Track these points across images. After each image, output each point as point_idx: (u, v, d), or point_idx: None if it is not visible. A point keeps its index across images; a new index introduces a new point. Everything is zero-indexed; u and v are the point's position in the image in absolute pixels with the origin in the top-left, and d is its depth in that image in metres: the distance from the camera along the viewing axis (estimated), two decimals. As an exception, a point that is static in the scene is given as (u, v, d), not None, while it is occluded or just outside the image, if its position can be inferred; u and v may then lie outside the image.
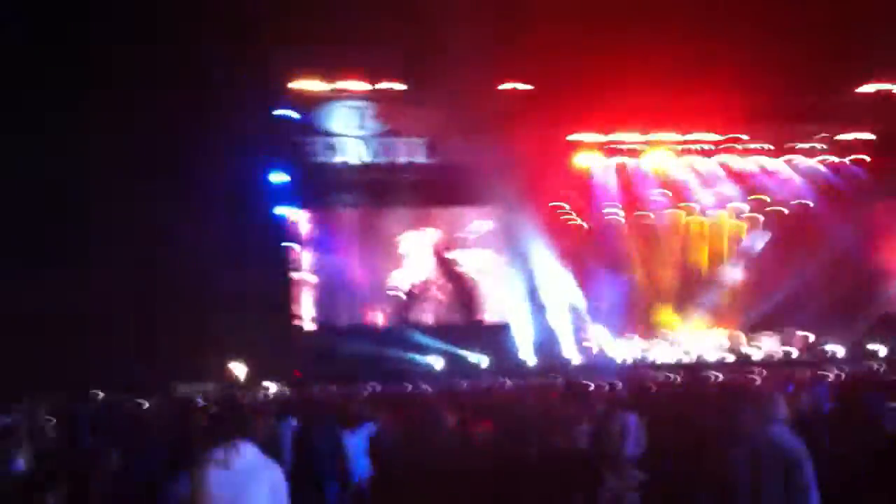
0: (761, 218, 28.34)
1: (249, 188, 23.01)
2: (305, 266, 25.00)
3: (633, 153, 25.90)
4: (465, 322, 25.34)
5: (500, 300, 25.53)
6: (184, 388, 20.35)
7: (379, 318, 25.11)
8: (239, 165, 22.43)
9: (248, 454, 4.81)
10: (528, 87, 24.56)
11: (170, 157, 21.26)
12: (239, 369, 23.53)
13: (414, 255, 25.61)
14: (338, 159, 24.98)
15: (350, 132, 24.90)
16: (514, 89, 24.70)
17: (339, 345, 23.18)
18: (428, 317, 25.39)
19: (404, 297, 25.34)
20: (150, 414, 11.70)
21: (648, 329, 27.21)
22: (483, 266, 25.78)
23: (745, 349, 25.27)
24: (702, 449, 6.26)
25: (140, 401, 13.57)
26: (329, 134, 24.87)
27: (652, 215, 28.74)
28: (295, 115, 24.43)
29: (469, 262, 25.82)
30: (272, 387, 21.25)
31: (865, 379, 10.94)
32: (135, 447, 6.84)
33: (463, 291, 25.82)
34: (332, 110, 24.91)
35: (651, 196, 28.04)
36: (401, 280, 25.45)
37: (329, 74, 24.26)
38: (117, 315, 21.26)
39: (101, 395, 17.59)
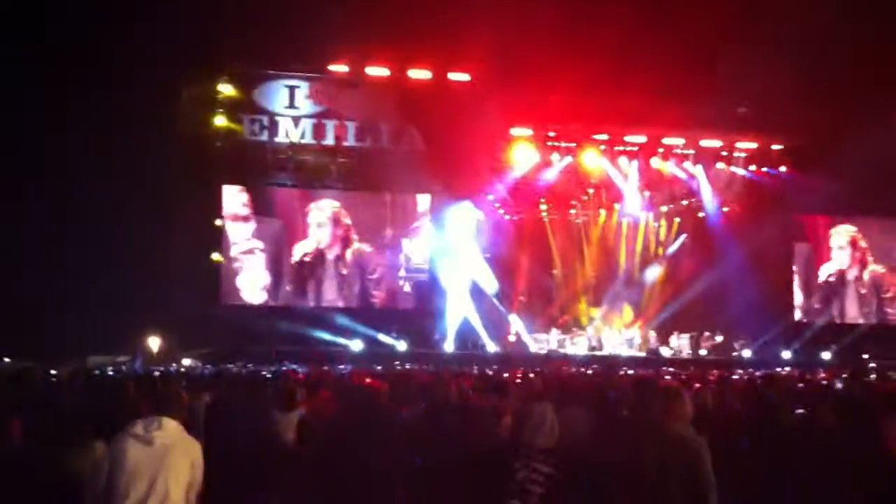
0: (680, 221, 29.09)
1: (180, 162, 22.56)
2: (232, 242, 24.67)
3: (564, 151, 26.12)
4: (385, 306, 25.32)
5: (422, 287, 25.59)
6: (97, 360, 19.96)
7: (299, 296, 24.90)
8: (170, 139, 22.05)
9: (169, 429, 4.77)
10: (466, 77, 24.60)
11: (97, 129, 20.75)
12: (155, 343, 23.18)
13: (321, 230, 25.34)
14: (272, 138, 24.63)
15: (286, 112, 24.58)
16: (453, 79, 24.70)
17: (260, 323, 23.03)
18: (341, 296, 25.24)
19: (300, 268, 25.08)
20: (60, 384, 11.41)
21: (566, 323, 27.72)
22: (416, 254, 25.75)
23: (657, 347, 25.90)
24: (613, 441, 6.45)
25: (51, 371, 13.22)
26: (264, 112, 24.51)
27: (577, 213, 29.24)
28: (231, 92, 24.05)
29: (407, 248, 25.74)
30: (187, 361, 21.01)
31: (771, 381, 11.32)
32: (40, 417, 6.68)
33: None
34: (268, 89, 24.56)
35: (578, 194, 28.51)
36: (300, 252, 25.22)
37: (269, 53, 23.93)
38: (28, 282, 20.72)
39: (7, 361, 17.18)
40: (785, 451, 6.42)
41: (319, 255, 25.16)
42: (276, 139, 24.66)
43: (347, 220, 25.32)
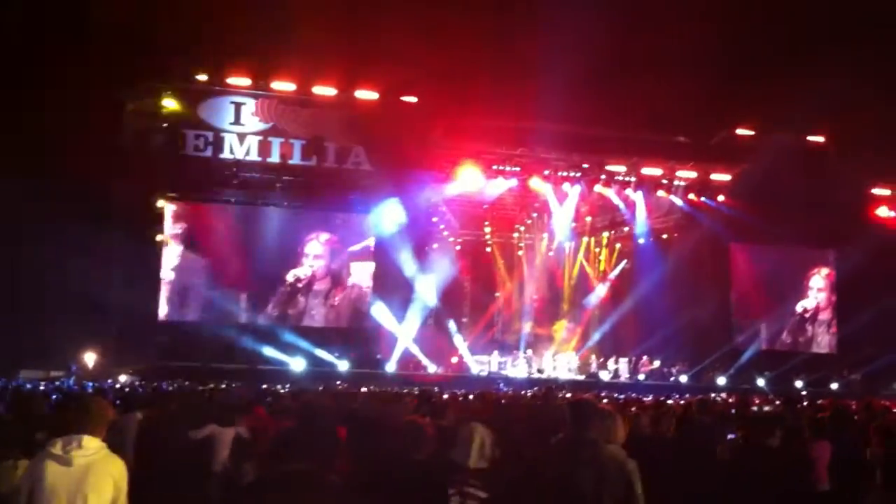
0: (621, 247, 29.49)
1: (121, 176, 22.21)
2: (172, 258, 24.30)
3: (509, 174, 26.32)
4: (329, 325, 25.15)
5: (369, 308, 25.51)
6: (28, 374, 19.47)
7: (243, 314, 24.60)
8: (113, 153, 21.72)
9: (90, 448, 4.64)
10: (414, 99, 24.73)
11: (32, 141, 20.36)
12: (91, 358, 22.69)
13: (301, 255, 25.23)
14: (217, 154, 24.38)
15: (231, 128, 24.37)
16: (400, 101, 24.81)
17: (197, 340, 22.70)
18: (299, 316, 25.06)
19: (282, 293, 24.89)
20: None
21: (507, 345, 27.85)
22: (361, 274, 25.67)
23: (596, 371, 26.12)
24: (549, 463, 6.47)
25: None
26: (209, 128, 24.27)
27: (520, 236, 29.46)
28: (176, 106, 23.77)
29: (354, 269, 25.64)
30: (123, 378, 20.61)
31: (704, 407, 11.48)
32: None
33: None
34: (214, 105, 24.34)
35: (521, 218, 28.75)
36: (288, 276, 25.03)
37: (214, 69, 23.74)
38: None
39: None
40: (715, 476, 6.53)
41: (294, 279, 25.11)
42: (221, 155, 24.42)
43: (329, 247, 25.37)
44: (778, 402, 12.41)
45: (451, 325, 26.80)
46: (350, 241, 25.52)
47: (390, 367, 24.29)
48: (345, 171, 24.84)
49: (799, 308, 28.77)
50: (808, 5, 19.03)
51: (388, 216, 24.93)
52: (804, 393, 21.66)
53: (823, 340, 28.81)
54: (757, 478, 6.05)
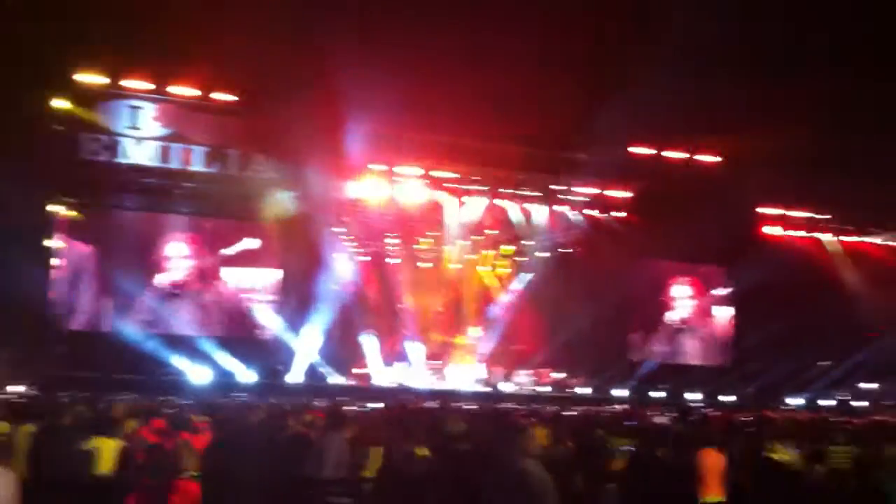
0: (525, 260, 29.88)
1: (11, 179, 21.34)
2: (68, 264, 23.51)
3: (413, 187, 26.45)
4: (231, 336, 24.71)
5: (271, 319, 25.20)
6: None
7: (142, 323, 23.96)
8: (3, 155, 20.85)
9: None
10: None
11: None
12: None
13: (177, 262, 24.72)
14: (116, 159, 23.70)
15: (129, 133, 23.73)
16: (300, 108, 24.54)
17: (96, 349, 22.05)
18: (186, 325, 24.56)
19: (162, 300, 24.34)
20: None
21: (411, 356, 27.84)
22: (252, 283, 25.36)
23: (499, 383, 26.39)
24: (451, 473, 6.53)
25: None
26: (106, 132, 23.59)
27: (425, 248, 29.53)
28: (71, 109, 23.00)
29: (238, 277, 25.29)
30: (17, 389, 19.81)
31: (603, 420, 11.77)
32: None
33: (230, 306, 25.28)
34: (113, 108, 23.67)
35: (425, 229, 28.83)
36: (160, 283, 24.48)
37: (112, 71, 23.09)
38: None
39: None
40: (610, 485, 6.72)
41: (173, 285, 24.49)
42: (118, 160, 23.76)
43: (200, 250, 24.84)
44: (671, 415, 12.79)
45: (355, 335, 26.66)
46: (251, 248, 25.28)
47: (292, 378, 24.02)
48: (247, 178, 24.52)
49: (691, 322, 29.75)
50: (700, 31, 19.69)
51: (292, 224, 24.71)
52: (698, 406, 22.38)
53: (715, 354, 29.80)
54: (649, 488, 6.25)
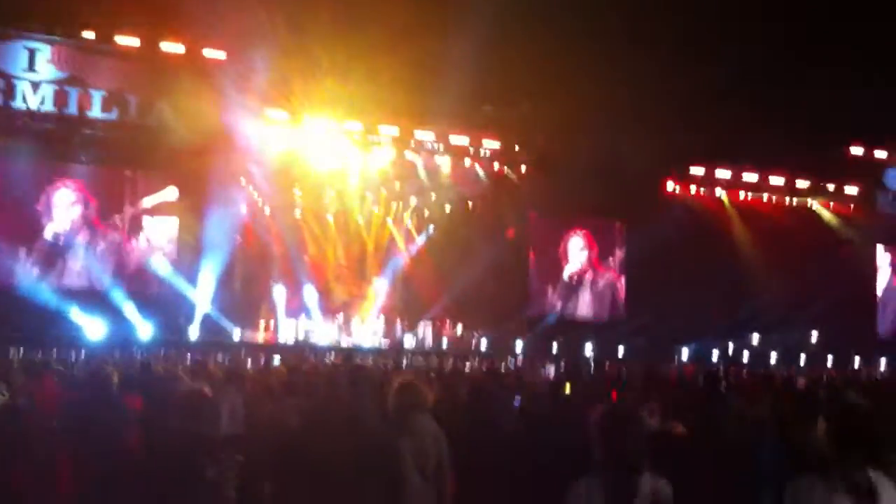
0: (429, 214, 30.06)
1: None
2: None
3: (319, 137, 26.19)
4: (130, 289, 24.17)
5: (170, 271, 24.75)
6: None
7: (29, 276, 23.23)
8: None
9: None
10: (222, 55, 23.97)
11: None
12: None
13: (65, 210, 23.99)
14: (7, 102, 22.70)
15: (24, 75, 22.74)
16: (207, 56, 23.95)
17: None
18: (78, 278, 23.95)
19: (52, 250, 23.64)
20: None
21: (314, 310, 27.83)
22: (151, 234, 24.83)
23: (400, 336, 26.66)
24: (352, 430, 6.67)
25: None
26: (3, 75, 22.55)
27: (330, 201, 29.39)
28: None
29: (136, 228, 24.71)
30: None
31: (497, 373, 12.13)
32: None
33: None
34: (5, 49, 22.60)
35: (330, 183, 28.65)
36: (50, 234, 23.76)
37: (5, 10, 22.02)
38: None
39: None
40: (500, 443, 7.00)
41: (66, 236, 23.75)
42: (13, 104, 22.80)
43: (93, 200, 24.11)
44: (562, 369, 13.26)
45: (259, 288, 26.48)
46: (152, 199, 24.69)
47: (193, 333, 23.71)
48: (148, 125, 23.84)
49: (586, 276, 30.43)
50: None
51: (193, 175, 24.21)
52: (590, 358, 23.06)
53: (608, 307, 30.63)
54: (534, 443, 6.55)
